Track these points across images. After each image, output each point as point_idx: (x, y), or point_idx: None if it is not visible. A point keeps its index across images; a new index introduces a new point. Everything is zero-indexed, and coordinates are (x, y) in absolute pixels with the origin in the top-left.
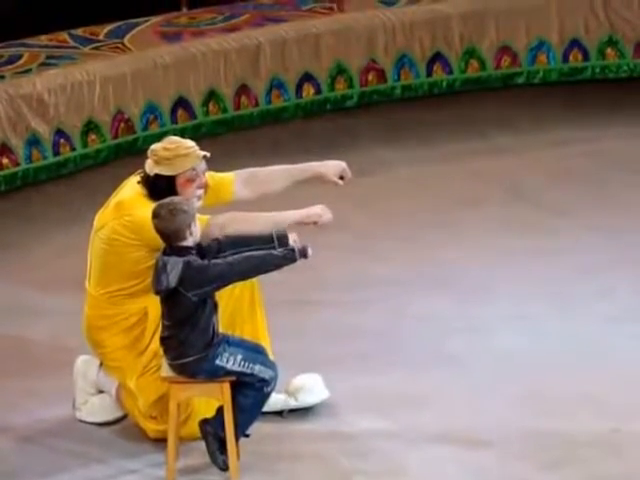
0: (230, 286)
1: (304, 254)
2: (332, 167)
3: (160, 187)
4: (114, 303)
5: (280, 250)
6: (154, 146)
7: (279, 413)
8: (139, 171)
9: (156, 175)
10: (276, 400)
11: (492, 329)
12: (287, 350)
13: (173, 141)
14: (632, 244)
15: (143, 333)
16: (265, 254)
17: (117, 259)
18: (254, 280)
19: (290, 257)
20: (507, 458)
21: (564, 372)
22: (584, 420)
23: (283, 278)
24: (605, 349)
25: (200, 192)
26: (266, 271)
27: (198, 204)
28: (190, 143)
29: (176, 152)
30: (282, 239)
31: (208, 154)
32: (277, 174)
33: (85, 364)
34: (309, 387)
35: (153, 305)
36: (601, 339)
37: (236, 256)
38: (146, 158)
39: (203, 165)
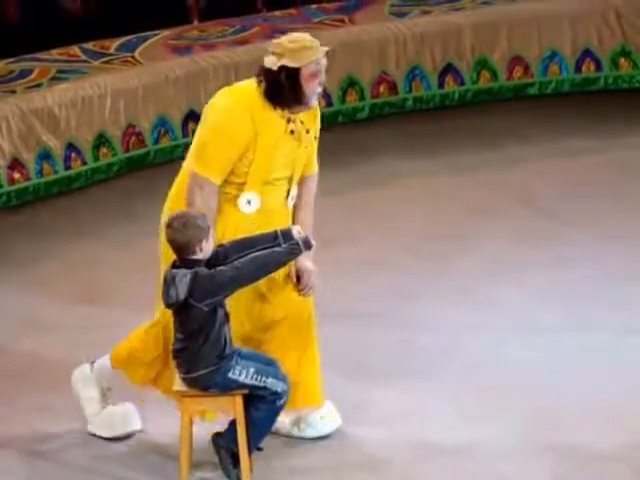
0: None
1: (308, 245)
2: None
3: (283, 80)
4: None
5: (284, 245)
6: (276, 41)
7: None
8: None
9: (281, 67)
10: (281, 424)
11: (506, 340)
12: None
13: (297, 35)
14: None
15: None
16: (270, 252)
17: None
18: (311, 318)
19: (295, 250)
20: (522, 470)
21: (579, 384)
22: (600, 432)
23: None
24: (621, 361)
25: (320, 90)
26: (274, 269)
27: (314, 102)
28: (313, 38)
29: (302, 44)
30: (286, 235)
31: (329, 48)
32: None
33: (80, 372)
34: (312, 420)
35: None
36: (617, 351)
37: (242, 259)
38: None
39: (325, 61)
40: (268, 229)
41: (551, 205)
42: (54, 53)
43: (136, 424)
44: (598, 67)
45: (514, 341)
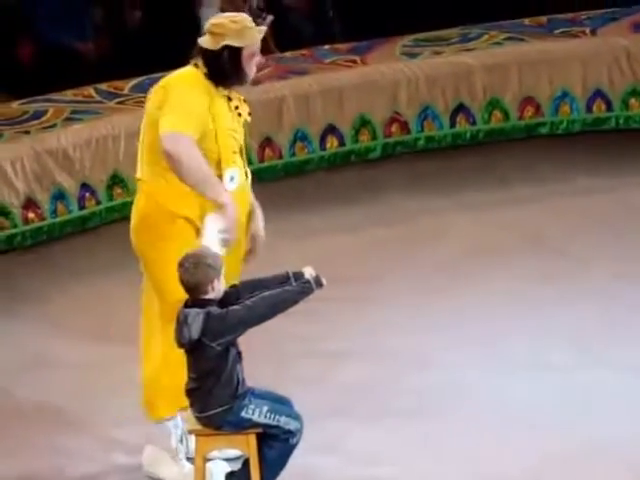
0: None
1: (319, 283)
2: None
3: (224, 61)
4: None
5: (295, 284)
6: (216, 21)
7: None
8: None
9: (224, 47)
10: None
11: (514, 378)
12: (306, 400)
13: (235, 14)
14: None
15: None
16: (281, 291)
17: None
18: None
19: (306, 289)
20: None
21: (587, 424)
22: (611, 473)
23: (299, 328)
24: (631, 399)
25: (254, 70)
26: (286, 307)
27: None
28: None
29: (244, 24)
30: (298, 276)
31: (265, 28)
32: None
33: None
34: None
35: None
36: (627, 389)
37: (253, 299)
38: None
39: (259, 43)
40: (244, 203)
41: (561, 243)
42: (68, 94)
43: None
44: (609, 107)
45: (522, 379)
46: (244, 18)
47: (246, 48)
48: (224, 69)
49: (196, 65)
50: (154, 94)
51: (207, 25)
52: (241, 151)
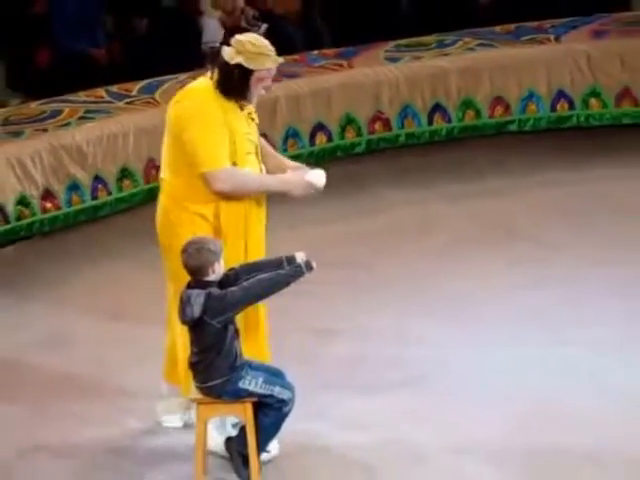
0: None
1: (310, 267)
2: (298, 188)
3: (234, 77)
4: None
5: (288, 268)
6: (240, 37)
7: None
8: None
9: (236, 64)
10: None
11: (489, 354)
12: (299, 374)
13: (259, 39)
14: (619, 274)
15: None
16: (274, 274)
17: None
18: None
19: (298, 272)
20: (506, 471)
21: (559, 393)
22: (579, 432)
23: (292, 308)
24: (596, 372)
25: (263, 92)
26: (279, 289)
27: (255, 100)
28: (271, 47)
29: (261, 50)
30: (291, 260)
31: (283, 60)
32: (269, 162)
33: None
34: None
35: None
36: (591, 363)
37: (250, 281)
38: None
39: (275, 70)
40: (259, 197)
41: (529, 231)
42: (82, 95)
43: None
44: (571, 106)
45: (497, 355)
46: (265, 45)
47: (257, 72)
48: (231, 84)
49: (211, 77)
50: (172, 107)
51: (233, 39)
52: (256, 151)
